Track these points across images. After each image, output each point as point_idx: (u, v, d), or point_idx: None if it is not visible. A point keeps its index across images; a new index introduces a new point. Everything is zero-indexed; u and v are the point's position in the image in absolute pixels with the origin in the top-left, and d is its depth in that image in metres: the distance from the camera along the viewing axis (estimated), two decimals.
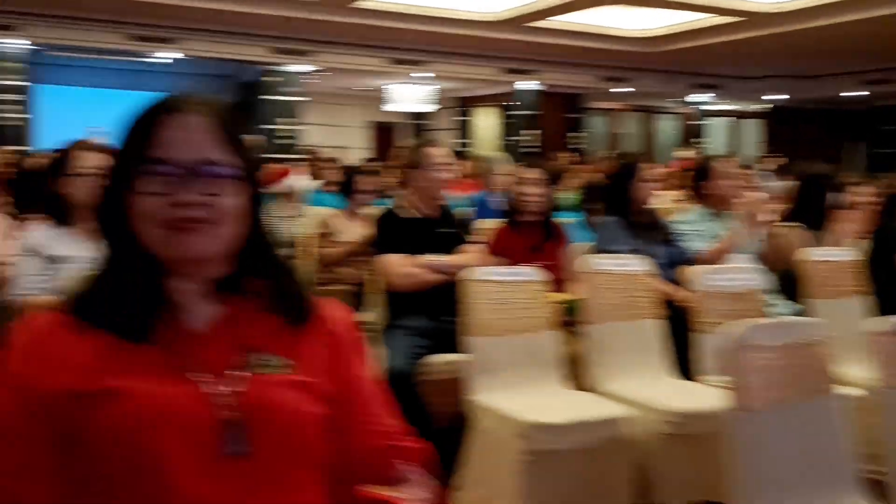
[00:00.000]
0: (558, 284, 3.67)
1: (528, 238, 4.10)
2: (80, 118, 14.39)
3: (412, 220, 3.65)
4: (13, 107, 13.41)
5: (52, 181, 3.04)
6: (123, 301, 1.14)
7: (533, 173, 4.21)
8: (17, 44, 12.94)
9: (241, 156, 1.18)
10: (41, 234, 3.04)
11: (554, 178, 10.70)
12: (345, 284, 4.49)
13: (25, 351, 1.12)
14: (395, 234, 3.61)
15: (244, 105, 15.85)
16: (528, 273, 3.28)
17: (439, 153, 3.72)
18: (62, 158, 3.05)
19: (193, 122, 1.16)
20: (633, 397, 3.10)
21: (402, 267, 3.53)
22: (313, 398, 1.17)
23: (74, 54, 13.90)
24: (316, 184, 8.35)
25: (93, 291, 1.17)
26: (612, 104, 19.81)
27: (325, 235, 4.60)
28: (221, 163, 1.15)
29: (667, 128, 21.09)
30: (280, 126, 15.12)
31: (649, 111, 20.74)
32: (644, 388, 3.19)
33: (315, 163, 10.38)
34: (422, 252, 3.56)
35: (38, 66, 14.32)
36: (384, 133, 20.77)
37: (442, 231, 3.70)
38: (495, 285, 3.18)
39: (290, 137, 15.18)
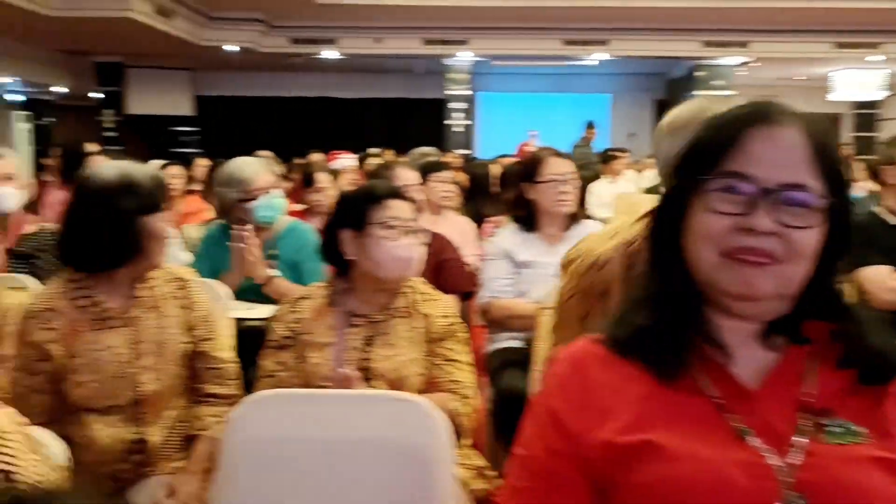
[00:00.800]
0: None
1: None
2: (516, 123, 15.40)
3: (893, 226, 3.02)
4: (459, 115, 14.71)
5: (521, 186, 3.06)
6: (661, 333, 1.00)
7: None
8: (463, 57, 14.17)
9: (834, 183, 0.99)
10: (510, 237, 3.07)
11: None
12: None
13: (565, 386, 1.03)
14: (878, 242, 3.00)
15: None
16: None
17: None
18: (532, 164, 3.04)
19: (787, 137, 0.98)
20: None
21: (891, 282, 2.92)
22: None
23: (512, 62, 14.79)
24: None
25: (630, 319, 1.04)
26: None
27: None
28: (811, 189, 0.97)
29: None
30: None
31: None
32: None
33: None
34: None
35: (480, 75, 15.57)
36: None
37: None
38: None
39: None
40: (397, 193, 2.13)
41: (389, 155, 7.28)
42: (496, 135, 16.53)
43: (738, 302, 0.99)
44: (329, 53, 14.14)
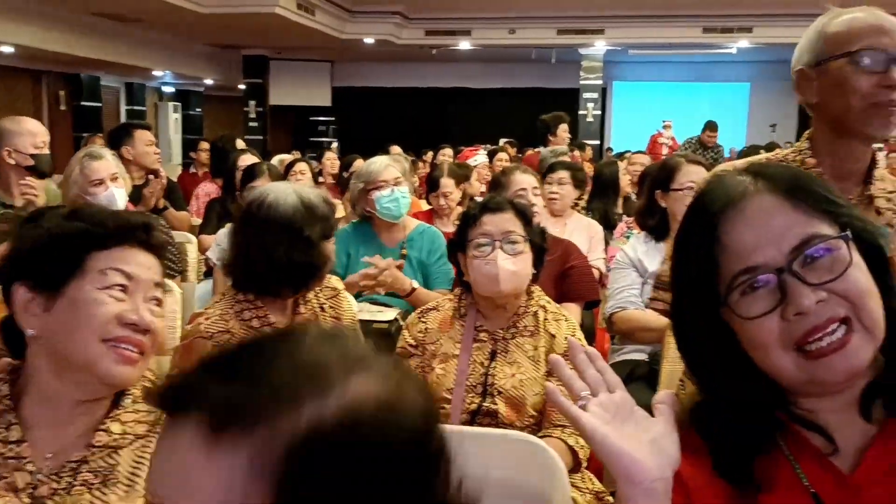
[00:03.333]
0: None
1: None
2: (651, 112, 15.03)
3: None
4: (592, 104, 14.50)
5: (654, 193, 3.00)
6: (732, 440, 0.91)
7: None
8: (598, 47, 13.94)
9: (831, 212, 0.90)
10: (639, 246, 3.02)
11: None
12: None
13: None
14: None
15: None
16: None
17: None
18: (666, 171, 2.99)
19: (757, 204, 0.90)
20: None
21: None
22: None
23: (648, 52, 14.43)
24: None
25: (710, 415, 0.95)
26: None
27: None
28: (818, 233, 0.88)
29: None
30: None
31: None
32: None
33: None
34: None
35: (614, 64, 15.27)
36: None
37: None
38: None
39: None
40: (490, 207, 2.14)
41: (510, 151, 7.14)
42: (630, 125, 16.20)
43: (837, 387, 0.90)
44: (464, 44, 14.26)
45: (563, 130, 6.17)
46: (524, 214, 2.15)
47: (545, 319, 2.09)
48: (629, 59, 15.48)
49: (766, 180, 0.91)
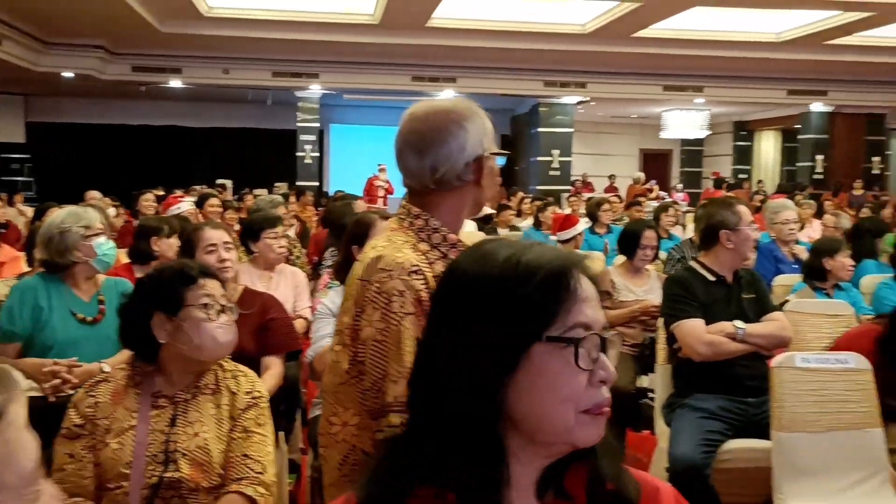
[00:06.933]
0: None
1: None
2: (367, 155, 15.50)
3: (711, 282, 3.28)
4: (309, 146, 14.66)
5: (354, 249, 3.11)
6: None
7: None
8: (313, 90, 14.18)
9: None
10: (337, 298, 3.11)
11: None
12: (626, 348, 4.23)
13: None
14: (696, 297, 3.25)
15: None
16: (853, 360, 2.83)
17: (745, 210, 3.35)
18: (365, 228, 3.12)
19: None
20: None
21: (705, 335, 3.16)
22: None
23: (363, 96, 14.95)
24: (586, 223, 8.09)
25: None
26: None
27: (605, 294, 4.35)
28: None
29: None
30: (553, 157, 15.20)
31: None
32: None
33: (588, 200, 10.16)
34: (722, 319, 3.17)
35: (331, 107, 15.59)
36: (657, 160, 20.18)
37: (747, 296, 3.29)
38: (811, 373, 2.77)
39: (563, 168, 15.21)
40: (209, 272, 2.14)
41: (220, 198, 6.97)
42: (348, 167, 16.58)
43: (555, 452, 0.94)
44: (174, 82, 13.80)
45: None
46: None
47: (224, 377, 2.07)
48: (345, 102, 15.91)
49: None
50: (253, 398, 2.07)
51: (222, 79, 13.45)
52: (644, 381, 3.99)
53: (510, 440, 0.91)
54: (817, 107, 15.53)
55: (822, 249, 4.42)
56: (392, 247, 1.60)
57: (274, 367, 2.99)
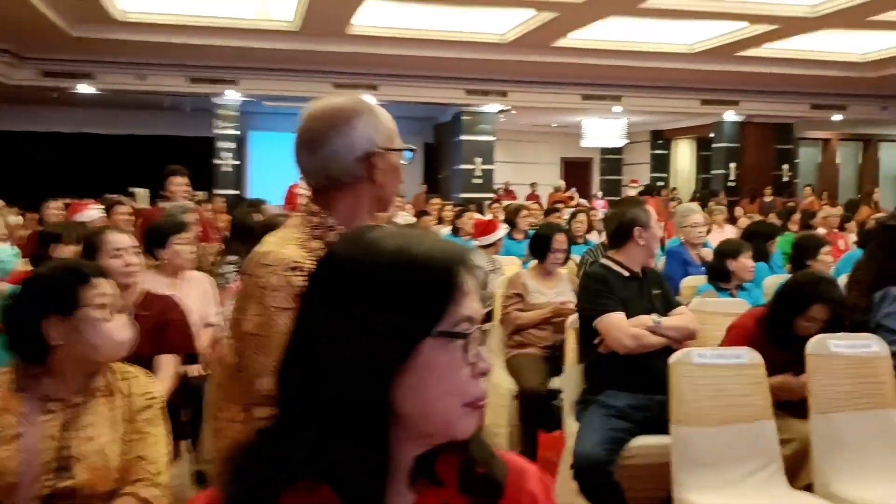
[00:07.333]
0: None
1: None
2: (289, 163, 15.30)
3: (625, 277, 3.36)
4: (228, 154, 14.43)
5: None
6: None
7: None
8: (231, 97, 13.97)
9: None
10: None
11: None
12: (538, 349, 4.28)
13: None
14: (616, 292, 3.31)
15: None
16: (746, 355, 2.93)
17: (653, 210, 3.46)
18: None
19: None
20: (870, 503, 2.67)
21: (630, 328, 3.21)
22: None
23: (284, 103, 14.78)
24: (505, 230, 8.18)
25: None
26: (826, 133, 18.45)
27: (518, 296, 4.40)
28: None
29: (890, 157, 19.33)
30: (475, 165, 15.32)
31: (869, 140, 19.10)
32: (882, 491, 2.74)
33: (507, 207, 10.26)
34: (638, 313, 3.25)
35: (251, 114, 15.37)
36: (577, 168, 20.54)
37: (655, 292, 3.39)
38: (707, 369, 2.86)
39: (485, 176, 15.35)
40: (101, 272, 2.08)
41: (131, 207, 6.78)
42: (269, 175, 16.36)
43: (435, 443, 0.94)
44: (86, 88, 13.41)
45: (176, 184, 6.03)
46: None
47: (114, 379, 2.03)
48: (266, 109, 15.71)
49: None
50: (148, 399, 2.04)
51: (137, 85, 13.14)
52: (555, 383, 4.04)
53: (390, 431, 0.90)
54: (730, 116, 16.04)
55: (724, 251, 4.56)
56: (280, 243, 1.61)
57: (167, 368, 2.94)
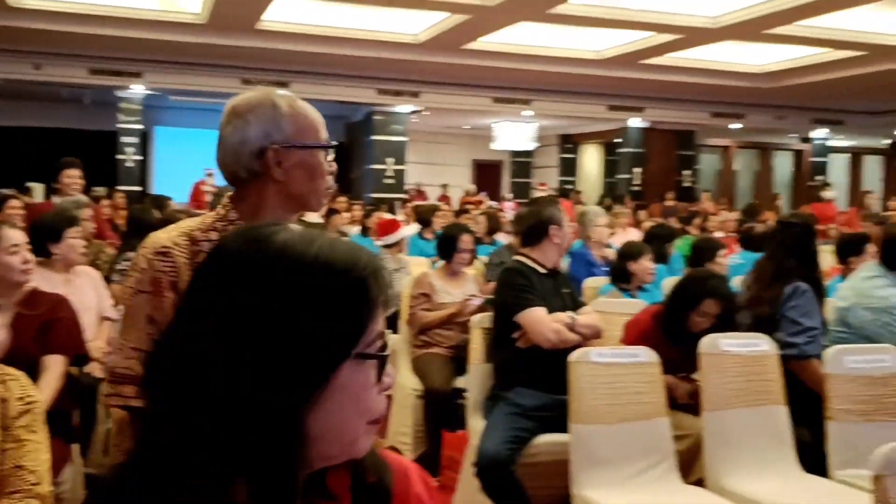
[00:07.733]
0: None
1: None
2: (195, 160, 14.96)
3: (542, 274, 3.40)
4: (131, 149, 13.98)
5: None
6: None
7: None
8: (136, 90, 13.53)
9: None
10: None
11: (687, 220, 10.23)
12: (443, 349, 4.30)
13: None
14: (535, 288, 3.34)
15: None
16: (643, 354, 3.00)
17: (565, 210, 3.54)
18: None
19: None
20: (758, 496, 2.77)
21: (553, 323, 3.21)
22: None
23: (191, 98, 14.42)
24: (415, 229, 8.22)
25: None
26: (725, 141, 19.17)
27: (424, 296, 4.40)
28: None
29: (784, 165, 20.24)
30: (387, 165, 15.28)
31: (765, 148, 19.95)
32: (770, 485, 2.86)
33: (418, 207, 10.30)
34: (555, 310, 3.28)
35: (157, 109, 14.92)
36: (488, 171, 20.74)
37: (565, 290, 3.45)
38: (605, 368, 2.92)
39: (397, 176, 15.33)
40: None
41: (22, 200, 6.47)
42: (174, 171, 15.94)
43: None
44: None
45: (69, 177, 5.82)
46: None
47: None
48: (172, 104, 15.29)
49: None
50: (26, 404, 1.92)
51: (32, 75, 12.57)
52: (460, 382, 4.07)
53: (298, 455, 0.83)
54: (635, 122, 16.47)
55: (626, 253, 4.68)
56: (165, 231, 1.66)
57: (54, 368, 2.82)
